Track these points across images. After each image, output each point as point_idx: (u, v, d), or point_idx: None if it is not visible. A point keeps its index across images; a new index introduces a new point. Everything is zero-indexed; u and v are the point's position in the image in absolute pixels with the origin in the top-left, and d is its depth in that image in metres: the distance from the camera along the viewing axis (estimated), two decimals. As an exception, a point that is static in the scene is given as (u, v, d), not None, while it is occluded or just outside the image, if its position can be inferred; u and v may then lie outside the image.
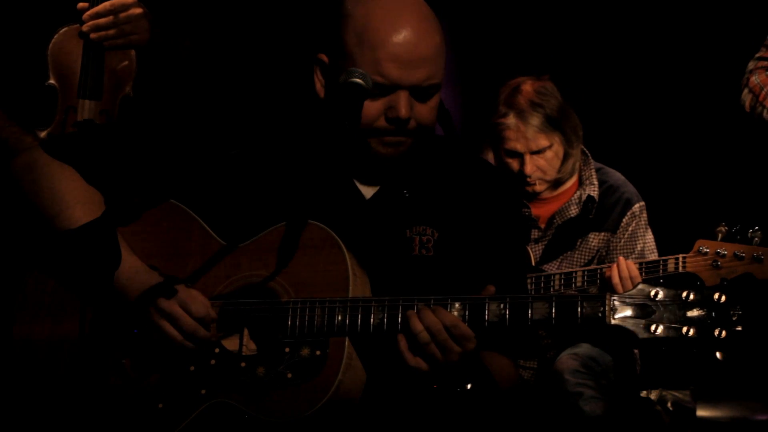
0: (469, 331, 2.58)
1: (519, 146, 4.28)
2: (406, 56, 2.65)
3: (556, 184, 4.41)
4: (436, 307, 2.60)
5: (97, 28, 3.67)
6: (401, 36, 2.65)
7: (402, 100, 2.68)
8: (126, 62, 3.80)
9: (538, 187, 4.36)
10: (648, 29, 5.38)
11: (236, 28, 4.43)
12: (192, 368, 2.66)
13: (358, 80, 2.61)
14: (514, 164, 4.32)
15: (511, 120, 4.27)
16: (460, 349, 2.58)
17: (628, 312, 2.51)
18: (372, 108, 2.69)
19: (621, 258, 4.14)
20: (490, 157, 4.40)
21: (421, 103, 2.72)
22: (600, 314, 2.52)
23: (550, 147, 4.29)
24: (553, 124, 4.28)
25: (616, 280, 4.09)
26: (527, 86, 4.32)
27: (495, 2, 5.51)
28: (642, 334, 2.48)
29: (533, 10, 5.48)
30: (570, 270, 4.27)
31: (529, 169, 4.28)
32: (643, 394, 4.38)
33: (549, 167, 4.32)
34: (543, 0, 5.48)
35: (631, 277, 4.09)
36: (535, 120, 4.25)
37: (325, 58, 2.76)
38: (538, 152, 4.29)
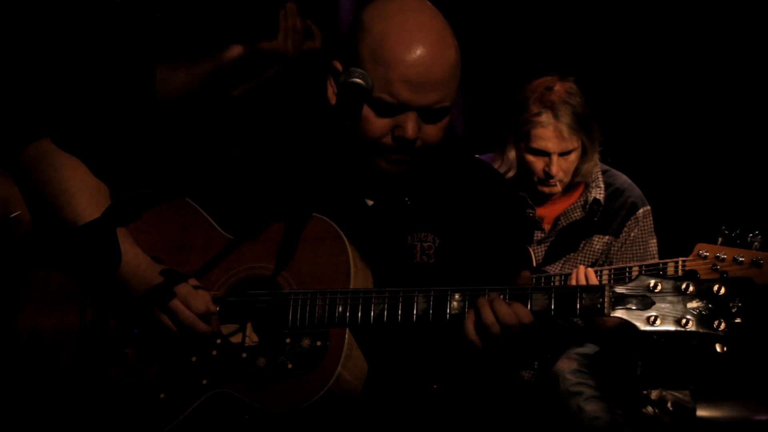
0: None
1: (551, 145, 4.27)
2: (419, 80, 2.63)
3: (566, 186, 4.41)
4: (513, 302, 2.56)
5: None
6: (415, 59, 2.63)
7: (410, 121, 2.66)
8: None
9: (557, 189, 4.36)
10: (651, 33, 5.38)
11: (247, 32, 4.45)
12: (194, 359, 2.68)
13: (358, 80, 2.58)
14: (538, 164, 4.31)
15: (545, 118, 4.26)
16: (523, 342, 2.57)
17: (628, 304, 2.50)
18: (379, 125, 2.68)
19: (581, 267, 4.13)
20: (512, 155, 4.40)
21: (429, 124, 2.70)
22: (599, 306, 2.52)
23: (575, 149, 4.30)
24: (580, 123, 4.28)
25: None
26: (558, 86, 4.32)
27: (497, 3, 5.52)
28: (641, 326, 2.48)
29: (538, 10, 5.48)
30: (571, 271, 4.27)
31: (555, 169, 4.27)
32: (643, 393, 4.38)
33: (570, 169, 4.33)
34: (547, 0, 5.50)
35: None
36: (567, 119, 4.25)
37: (339, 65, 2.75)
38: (566, 153, 4.29)
